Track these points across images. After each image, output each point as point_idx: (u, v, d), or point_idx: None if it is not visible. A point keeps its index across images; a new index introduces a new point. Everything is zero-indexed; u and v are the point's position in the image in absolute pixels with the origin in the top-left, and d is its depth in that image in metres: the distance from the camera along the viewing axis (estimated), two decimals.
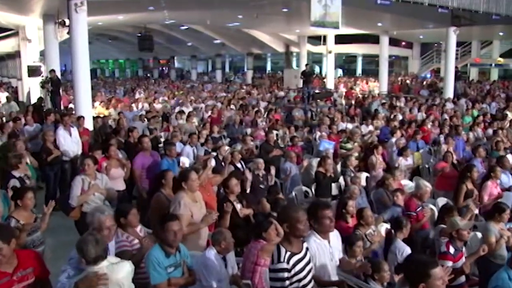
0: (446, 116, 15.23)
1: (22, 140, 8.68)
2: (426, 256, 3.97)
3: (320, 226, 4.19)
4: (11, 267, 3.87)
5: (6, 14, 19.03)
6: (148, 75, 52.07)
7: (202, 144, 10.14)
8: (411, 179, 9.47)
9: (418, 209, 6.94)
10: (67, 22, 13.30)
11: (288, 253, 3.78)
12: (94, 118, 13.32)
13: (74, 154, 9.53)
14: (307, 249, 3.99)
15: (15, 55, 24.06)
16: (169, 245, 4.30)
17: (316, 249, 4.18)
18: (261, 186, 8.41)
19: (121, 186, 7.65)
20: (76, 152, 9.56)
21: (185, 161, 8.28)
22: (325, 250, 4.27)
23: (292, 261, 3.77)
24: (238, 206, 6.21)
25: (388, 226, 6.85)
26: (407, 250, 5.61)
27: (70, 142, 9.51)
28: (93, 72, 53.79)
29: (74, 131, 9.74)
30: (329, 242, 4.32)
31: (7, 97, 19.15)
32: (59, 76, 16.94)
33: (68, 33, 13.00)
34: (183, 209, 5.26)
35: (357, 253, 5.31)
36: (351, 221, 6.53)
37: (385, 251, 5.95)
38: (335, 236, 4.48)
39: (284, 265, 3.72)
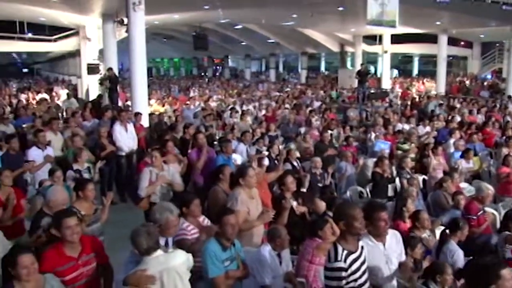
0: (509, 118, 14.63)
1: (79, 135, 8.91)
2: (491, 258, 3.79)
3: (374, 228, 4.11)
4: (76, 252, 4.05)
5: (68, 14, 19.74)
6: (203, 74, 52.60)
7: (253, 143, 10.13)
8: (470, 183, 9.17)
9: (480, 213, 6.68)
10: (125, 21, 13.55)
11: (345, 251, 3.69)
12: (150, 115, 13.55)
13: (130, 150, 9.71)
14: (362, 248, 3.89)
15: (75, 53, 24.95)
16: (227, 239, 4.30)
17: (367, 252, 4.04)
18: (319, 184, 8.33)
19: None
20: (132, 147, 9.74)
21: (237, 159, 8.30)
22: (379, 253, 4.16)
23: (348, 260, 3.68)
24: (294, 204, 6.16)
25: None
26: (459, 253, 5.37)
27: (126, 138, 9.67)
28: (148, 71, 54.94)
29: (130, 126, 9.89)
30: (384, 245, 4.20)
31: (67, 94, 19.82)
32: (117, 74, 17.35)
33: (126, 31, 13.24)
34: (240, 205, 5.25)
35: (418, 255, 5.14)
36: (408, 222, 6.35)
37: (437, 251, 5.72)
38: (394, 237, 4.34)
39: (342, 264, 3.63)
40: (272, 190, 7.19)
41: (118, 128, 9.57)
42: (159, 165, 6.78)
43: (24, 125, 11.40)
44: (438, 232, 6.36)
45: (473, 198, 7.01)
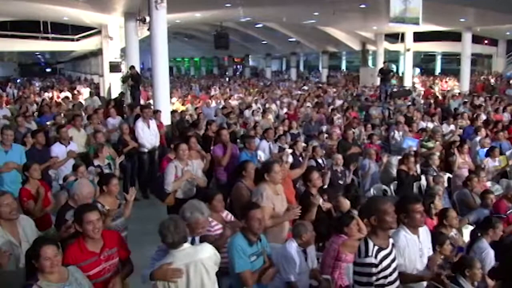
0: None
1: (102, 132, 8.91)
2: None
3: (410, 220, 4.06)
4: (98, 247, 3.99)
5: (91, 13, 19.87)
6: (224, 73, 52.60)
7: (275, 141, 10.03)
8: (498, 182, 9.00)
9: (509, 212, 6.51)
10: (147, 19, 13.58)
11: (376, 247, 3.60)
12: (171, 112, 13.60)
13: (152, 146, 9.70)
14: (393, 245, 3.81)
15: (97, 53, 25.15)
16: (254, 233, 4.23)
17: (406, 244, 4.04)
18: (340, 182, 8.22)
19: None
20: (154, 144, 9.72)
21: (262, 155, 8.23)
22: (415, 245, 4.10)
23: (379, 256, 3.59)
24: (320, 200, 6.04)
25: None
26: (489, 252, 5.21)
27: (148, 134, 9.64)
28: (169, 70, 55.21)
29: (153, 123, 9.86)
30: (418, 238, 4.14)
31: (90, 92, 19.97)
32: (139, 72, 17.40)
33: (148, 29, 13.26)
34: (265, 201, 5.17)
35: (447, 252, 5.02)
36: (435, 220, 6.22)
37: (467, 250, 5.57)
38: (424, 232, 4.29)
39: (372, 260, 3.54)
40: (295, 187, 7.13)
41: (140, 124, 9.56)
42: (185, 159, 6.71)
43: (48, 123, 11.49)
44: (465, 231, 6.24)
45: (501, 196, 6.85)
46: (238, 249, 4.14)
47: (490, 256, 5.14)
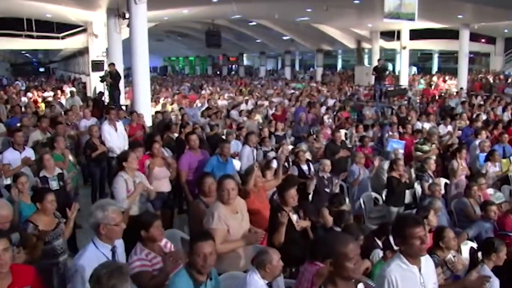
0: None
1: (62, 137, 7.98)
2: None
3: (408, 248, 3.18)
4: (4, 286, 3.17)
5: (75, 10, 19.32)
6: (217, 72, 51.94)
7: (260, 144, 9.14)
8: (499, 188, 8.25)
9: None
10: (127, 14, 12.86)
11: None
12: (155, 113, 13.00)
13: (121, 150, 8.85)
14: None
15: (84, 51, 24.50)
16: (198, 272, 3.35)
17: (400, 278, 3.14)
18: (326, 190, 7.37)
19: (166, 187, 6.85)
20: (122, 148, 8.81)
21: (236, 164, 7.42)
22: (414, 279, 3.21)
23: None
24: (294, 217, 5.15)
25: (473, 245, 5.67)
26: (495, 282, 4.33)
27: (116, 138, 8.88)
28: (164, 70, 54.74)
29: (120, 125, 9.12)
30: (419, 270, 3.24)
31: (71, 92, 19.31)
32: (121, 71, 16.59)
33: (128, 25, 12.53)
34: (216, 223, 4.30)
35: (439, 281, 4.20)
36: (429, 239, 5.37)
37: None
38: (429, 262, 3.41)
39: None
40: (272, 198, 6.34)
41: (107, 127, 8.78)
42: (133, 170, 5.85)
43: (18, 125, 10.70)
44: (464, 248, 5.47)
45: (507, 210, 6.04)
46: None
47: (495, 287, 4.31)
